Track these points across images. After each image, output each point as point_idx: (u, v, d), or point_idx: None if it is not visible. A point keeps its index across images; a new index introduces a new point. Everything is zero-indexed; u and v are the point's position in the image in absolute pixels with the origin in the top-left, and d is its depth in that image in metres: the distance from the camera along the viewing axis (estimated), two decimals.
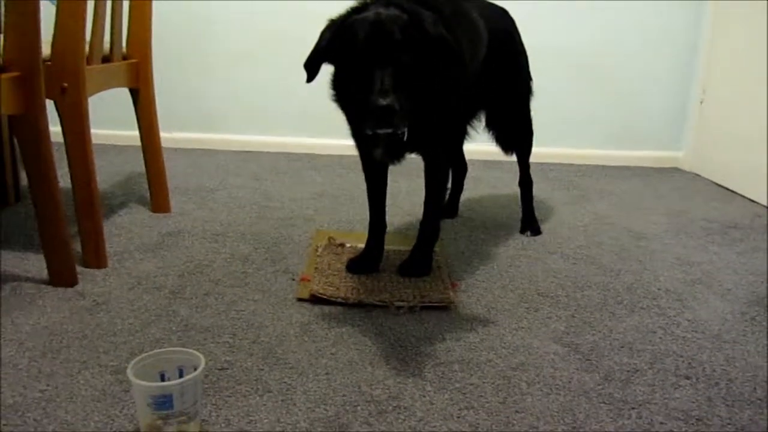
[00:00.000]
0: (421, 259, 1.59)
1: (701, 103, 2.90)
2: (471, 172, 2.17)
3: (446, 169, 1.55)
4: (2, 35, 1.32)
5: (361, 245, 1.68)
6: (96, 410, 1.03)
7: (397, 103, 1.19)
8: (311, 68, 1.32)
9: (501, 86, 1.84)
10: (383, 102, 1.18)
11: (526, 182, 2.01)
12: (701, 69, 2.90)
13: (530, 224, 1.99)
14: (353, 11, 1.33)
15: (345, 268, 1.59)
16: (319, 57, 1.31)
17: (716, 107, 2.80)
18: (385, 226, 1.62)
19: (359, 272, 1.57)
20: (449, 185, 1.88)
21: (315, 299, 1.43)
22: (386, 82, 1.20)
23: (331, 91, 1.37)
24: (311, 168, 2.73)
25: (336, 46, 1.29)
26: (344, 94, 1.35)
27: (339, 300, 1.42)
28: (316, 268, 1.59)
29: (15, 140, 1.94)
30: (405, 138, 1.32)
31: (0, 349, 1.19)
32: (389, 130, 1.23)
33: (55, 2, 1.42)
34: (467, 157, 2.11)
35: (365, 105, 1.21)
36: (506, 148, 1.98)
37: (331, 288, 1.47)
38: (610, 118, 3.04)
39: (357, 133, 1.46)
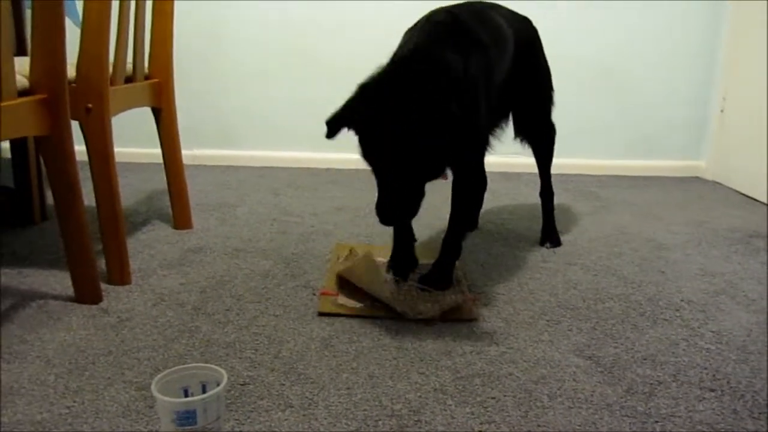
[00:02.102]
0: (442, 273, 1.59)
1: (721, 111, 2.88)
2: (490, 184, 2.15)
3: (476, 185, 1.58)
4: (29, 58, 1.35)
5: (382, 259, 1.68)
6: (121, 426, 1.04)
7: (398, 209, 1.31)
8: (331, 129, 1.35)
9: (524, 95, 1.84)
10: (386, 212, 1.30)
11: (547, 193, 2.00)
12: (721, 77, 2.88)
13: (550, 235, 1.98)
14: (383, 78, 1.34)
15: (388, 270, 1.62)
16: (339, 123, 1.35)
17: (737, 115, 2.77)
18: (413, 237, 1.65)
19: (396, 275, 1.60)
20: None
21: (335, 313, 1.44)
22: (388, 189, 1.31)
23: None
24: (330, 182, 2.75)
25: (354, 123, 1.34)
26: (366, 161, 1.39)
27: (359, 313, 1.43)
28: (336, 282, 1.60)
29: (41, 160, 1.98)
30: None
31: None
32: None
33: (80, 25, 1.45)
34: (486, 169, 2.10)
35: (377, 196, 1.32)
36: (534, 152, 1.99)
37: (351, 302, 1.48)
38: (629, 127, 3.03)
39: None
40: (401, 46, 1.48)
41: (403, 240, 1.64)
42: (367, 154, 1.34)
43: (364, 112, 1.31)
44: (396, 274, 1.60)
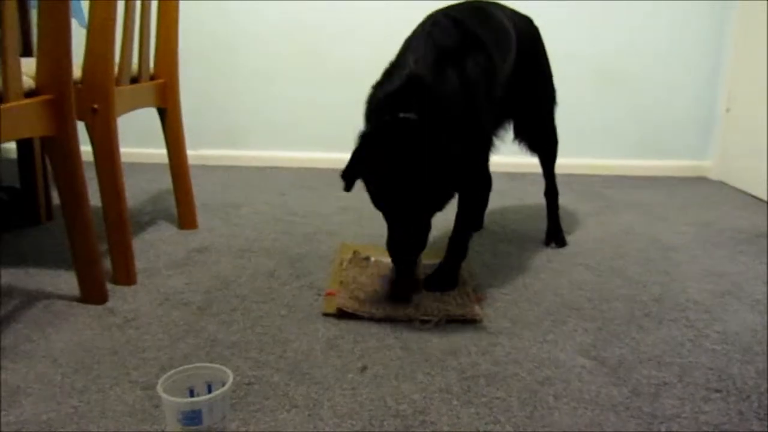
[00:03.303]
0: (447, 274, 1.59)
1: (728, 110, 2.87)
2: (495, 185, 2.16)
3: (481, 186, 1.59)
4: (35, 59, 1.36)
5: (386, 259, 1.68)
6: (127, 425, 1.05)
7: (408, 249, 1.40)
8: (347, 182, 1.40)
9: (526, 95, 1.84)
10: (399, 250, 1.40)
11: (551, 193, 2.00)
12: (727, 76, 2.87)
13: (555, 236, 1.98)
14: (380, 112, 1.37)
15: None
16: (350, 176, 1.39)
17: (743, 115, 2.76)
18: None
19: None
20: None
21: (340, 313, 1.44)
22: (396, 232, 1.39)
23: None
24: (335, 182, 2.72)
25: (361, 174, 1.39)
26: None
27: (364, 314, 1.43)
28: (341, 282, 1.60)
29: (47, 160, 1.99)
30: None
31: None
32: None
33: (85, 25, 1.46)
34: (491, 169, 2.10)
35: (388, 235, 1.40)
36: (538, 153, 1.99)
37: (356, 302, 1.48)
38: (634, 127, 3.02)
39: None
40: (397, 61, 1.46)
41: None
42: (376, 200, 1.40)
43: (368, 164, 1.36)
44: (394, 299, 1.51)
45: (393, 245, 1.40)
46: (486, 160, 1.58)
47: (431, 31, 1.46)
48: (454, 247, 1.60)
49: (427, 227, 1.41)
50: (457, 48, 1.45)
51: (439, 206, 1.41)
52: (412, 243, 1.40)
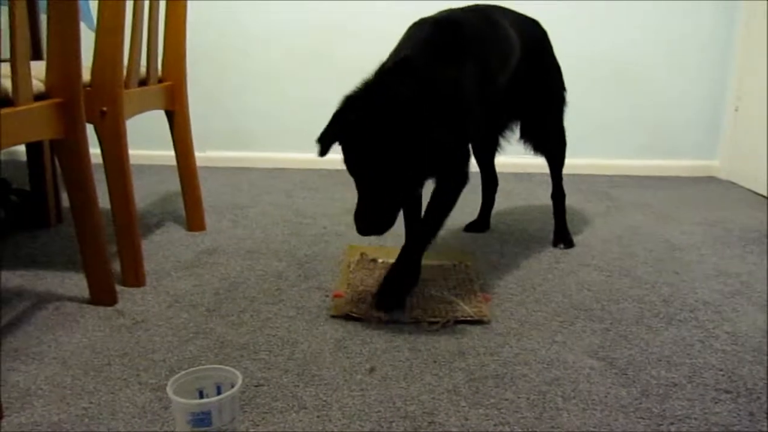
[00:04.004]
0: (393, 290, 1.49)
1: (736, 110, 2.85)
2: (502, 185, 2.16)
3: (455, 197, 1.52)
4: (44, 62, 1.37)
5: (393, 260, 1.69)
6: (137, 427, 1.05)
7: (375, 223, 1.32)
8: (323, 146, 1.36)
9: (533, 97, 1.84)
10: (363, 222, 1.32)
11: (558, 194, 2.00)
12: (735, 75, 2.86)
13: (563, 237, 1.98)
14: (368, 88, 1.35)
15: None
16: (330, 138, 1.36)
17: (751, 114, 2.75)
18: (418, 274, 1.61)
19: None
20: (476, 201, 1.87)
21: (348, 316, 1.44)
22: (365, 203, 1.33)
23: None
24: (342, 184, 2.75)
25: (337, 134, 1.35)
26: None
27: (372, 318, 1.43)
28: (348, 284, 1.60)
29: (56, 163, 2.00)
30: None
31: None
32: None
33: (94, 29, 1.47)
34: (498, 169, 2.11)
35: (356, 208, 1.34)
36: (544, 154, 1.97)
37: (364, 305, 1.48)
38: (642, 127, 3.02)
39: None
40: (392, 54, 1.47)
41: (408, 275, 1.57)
42: (349, 164, 1.35)
43: (347, 122, 1.32)
44: (381, 308, 1.47)
45: (359, 216, 1.34)
46: (466, 158, 1.54)
47: (424, 32, 1.47)
48: (403, 256, 1.52)
49: (397, 206, 1.36)
50: (453, 46, 1.44)
51: (413, 186, 1.37)
52: (378, 217, 1.33)
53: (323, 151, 1.36)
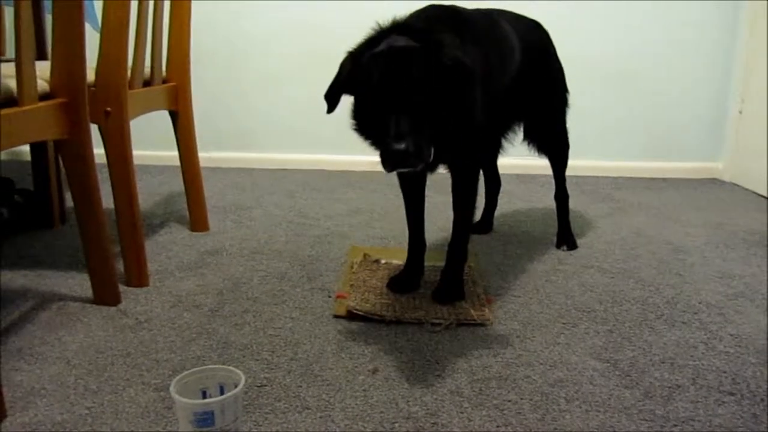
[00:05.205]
0: (453, 284, 1.55)
1: (740, 112, 2.85)
2: (505, 187, 2.16)
3: (475, 187, 1.54)
4: (49, 63, 1.37)
5: (397, 261, 1.69)
6: (140, 427, 1.05)
7: (412, 145, 1.16)
8: (331, 100, 1.32)
9: (536, 99, 1.84)
10: (397, 147, 1.16)
11: (562, 196, 1.99)
12: (739, 77, 2.85)
13: (566, 238, 1.97)
14: (370, 41, 1.31)
15: (386, 286, 1.59)
16: (338, 90, 1.31)
17: (756, 116, 2.74)
18: (424, 244, 1.62)
19: (400, 291, 1.57)
20: (479, 202, 1.87)
21: (351, 316, 1.44)
22: (400, 125, 1.18)
23: (352, 121, 1.35)
24: (345, 185, 2.76)
25: (353, 80, 1.29)
26: (364, 126, 1.33)
27: (375, 317, 1.43)
28: (351, 284, 1.60)
29: (60, 163, 2.00)
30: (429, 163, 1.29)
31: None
32: (406, 170, 1.26)
33: (99, 29, 1.47)
34: (500, 171, 2.11)
35: (382, 145, 1.21)
36: (548, 156, 1.97)
37: (367, 305, 1.48)
38: (646, 128, 3.01)
39: None
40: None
41: (418, 247, 1.61)
42: (364, 109, 1.27)
43: (369, 63, 1.24)
44: (395, 290, 1.57)
45: (386, 147, 1.18)
46: (479, 143, 1.50)
47: (430, 13, 1.46)
48: (453, 252, 1.56)
49: (429, 141, 1.22)
50: (455, 26, 1.42)
51: (442, 116, 1.25)
52: (411, 145, 1.16)
53: (332, 107, 1.32)
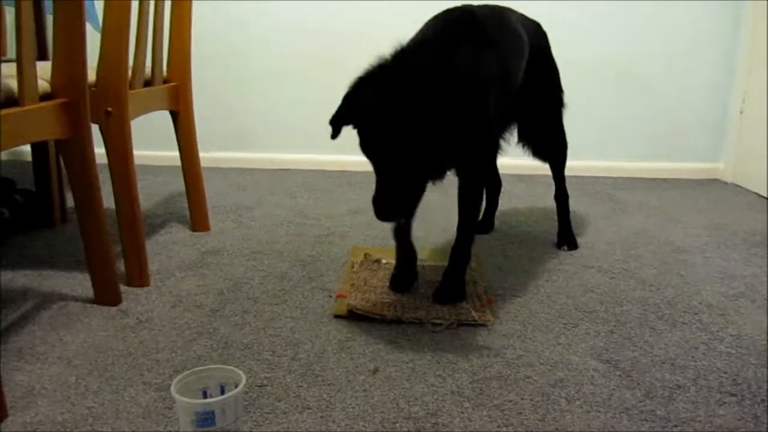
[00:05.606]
0: (455, 285, 1.54)
1: (741, 112, 2.85)
2: (505, 187, 2.16)
3: (482, 191, 1.54)
4: (50, 63, 1.37)
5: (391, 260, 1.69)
6: (141, 426, 1.05)
7: (395, 204, 1.24)
8: (334, 128, 1.34)
9: (534, 99, 1.84)
10: (383, 204, 1.24)
11: (562, 196, 1.99)
12: (741, 77, 2.85)
13: (567, 238, 1.97)
14: (380, 66, 1.31)
15: (388, 285, 1.59)
16: (339, 121, 1.33)
17: (757, 117, 2.74)
18: (410, 236, 1.60)
19: (399, 288, 1.57)
20: (483, 204, 1.87)
21: (352, 315, 1.44)
22: (385, 183, 1.25)
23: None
24: (346, 185, 2.76)
25: (349, 116, 1.31)
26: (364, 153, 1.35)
27: (376, 316, 1.43)
28: (352, 284, 1.60)
29: (61, 163, 2.00)
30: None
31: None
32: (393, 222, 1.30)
33: (100, 29, 1.47)
34: (500, 171, 2.10)
35: (374, 191, 1.26)
36: (543, 158, 1.97)
37: (368, 304, 1.48)
38: (647, 129, 3.01)
39: None
40: (410, 40, 1.45)
41: (405, 255, 1.60)
42: (365, 144, 1.29)
43: (363, 101, 1.27)
44: (396, 289, 1.58)
45: (377, 200, 1.25)
46: (490, 160, 1.54)
47: (444, 22, 1.47)
48: (457, 254, 1.55)
49: (418, 190, 1.29)
50: (470, 39, 1.43)
51: (434, 168, 1.31)
52: (398, 200, 1.25)
53: (335, 133, 1.33)
